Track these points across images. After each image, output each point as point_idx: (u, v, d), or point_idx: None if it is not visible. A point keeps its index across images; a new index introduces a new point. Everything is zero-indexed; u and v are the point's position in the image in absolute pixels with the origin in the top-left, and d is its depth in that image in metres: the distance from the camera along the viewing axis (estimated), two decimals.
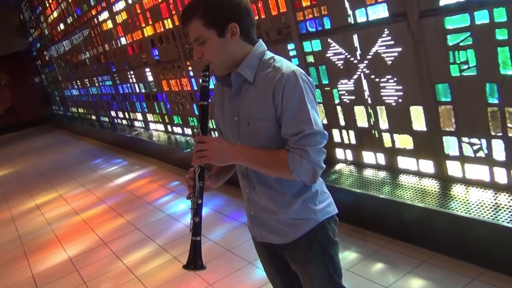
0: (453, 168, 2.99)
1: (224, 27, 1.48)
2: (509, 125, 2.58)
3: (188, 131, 6.60)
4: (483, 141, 2.74)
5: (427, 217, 2.91)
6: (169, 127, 7.24)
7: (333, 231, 1.66)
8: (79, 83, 12.06)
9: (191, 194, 1.59)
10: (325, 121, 3.82)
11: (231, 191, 4.66)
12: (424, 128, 3.04)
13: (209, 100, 1.59)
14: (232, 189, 4.56)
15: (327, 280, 1.65)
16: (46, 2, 12.45)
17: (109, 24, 8.12)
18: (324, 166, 1.51)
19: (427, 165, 3.14)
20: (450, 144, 2.95)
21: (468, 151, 2.85)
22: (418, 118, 3.07)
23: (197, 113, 6.04)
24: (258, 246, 1.81)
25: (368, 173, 3.54)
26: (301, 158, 1.45)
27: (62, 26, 11.67)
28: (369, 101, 3.35)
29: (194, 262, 1.56)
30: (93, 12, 8.73)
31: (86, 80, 11.10)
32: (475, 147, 2.80)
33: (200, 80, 1.57)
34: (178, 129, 6.95)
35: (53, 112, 17.84)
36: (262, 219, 1.68)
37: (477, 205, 2.73)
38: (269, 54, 1.57)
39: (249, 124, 1.54)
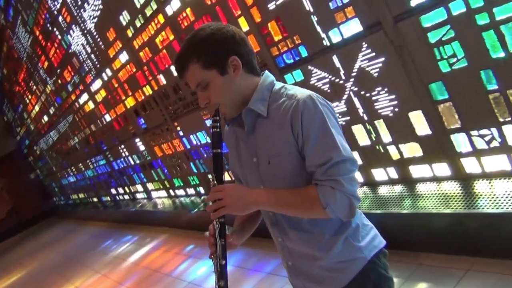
0: (470, 165, 2.84)
1: (225, 63, 1.37)
2: None
3: (191, 191, 6.44)
4: (494, 130, 2.61)
5: (457, 222, 2.74)
6: (171, 191, 7.08)
7: (385, 266, 1.47)
8: (74, 169, 11.97)
9: (212, 254, 1.43)
10: None
11: (249, 242, 4.42)
12: (429, 131, 2.91)
13: (223, 147, 1.46)
14: (250, 239, 4.34)
15: None
16: (26, 98, 12.56)
17: (91, 105, 8.12)
18: (360, 197, 1.36)
19: (442, 168, 2.99)
20: (460, 141, 2.82)
21: (480, 144, 2.71)
22: (420, 122, 2.95)
23: (195, 169, 5.91)
24: None
25: (383, 190, 3.38)
26: (333, 191, 1.29)
27: (45, 118, 11.71)
28: (365, 118, 3.24)
29: None
30: (73, 97, 8.76)
31: (80, 164, 11.02)
32: (487, 138, 2.66)
33: (211, 126, 1.44)
34: (180, 191, 6.79)
35: (54, 204, 17.65)
36: (303, 268, 1.50)
37: (506, 197, 2.57)
38: (279, 84, 1.46)
39: (269, 163, 1.40)
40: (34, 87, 11.27)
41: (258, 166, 1.44)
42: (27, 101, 12.59)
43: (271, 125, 1.39)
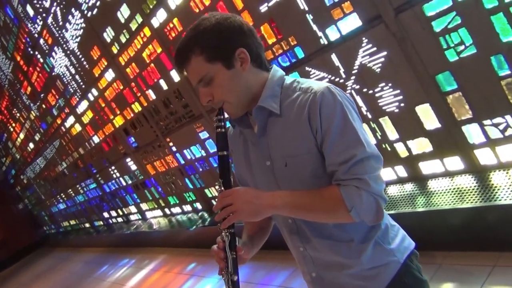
0: (484, 156, 2.72)
1: (231, 56, 1.23)
2: None
3: (188, 207, 6.25)
4: (508, 117, 2.50)
5: (476, 216, 2.62)
6: (166, 210, 6.88)
7: (418, 269, 1.34)
8: (63, 196, 11.67)
9: (223, 270, 1.27)
10: None
11: (255, 255, 4.27)
12: (438, 125, 2.80)
13: (229, 149, 1.31)
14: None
15: None
16: (10, 127, 12.28)
17: (78, 128, 7.92)
18: (387, 198, 1.22)
19: (455, 162, 2.87)
20: (473, 132, 2.71)
21: (494, 133, 2.60)
22: (428, 116, 2.84)
23: (191, 185, 5.74)
24: None
25: (393, 190, 3.25)
26: (359, 191, 1.15)
27: (31, 145, 11.43)
28: (369, 116, 3.12)
29: None
30: (59, 121, 8.54)
31: (70, 190, 10.74)
32: (501, 127, 2.56)
33: (215, 127, 1.29)
34: (176, 209, 6.59)
35: (45, 233, 17.22)
36: (330, 279, 1.35)
37: None
38: (289, 78, 1.32)
39: (286, 166, 1.25)
40: (18, 114, 11.02)
41: (273, 169, 1.29)
42: (11, 129, 12.30)
43: (285, 123, 1.25)
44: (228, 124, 1.37)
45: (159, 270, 6.09)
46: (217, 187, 1.29)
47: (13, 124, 11.88)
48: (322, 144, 1.20)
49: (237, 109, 1.29)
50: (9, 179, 17.44)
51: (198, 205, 5.93)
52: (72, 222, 12.85)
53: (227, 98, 1.26)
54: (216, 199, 1.26)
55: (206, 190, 5.56)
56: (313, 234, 1.31)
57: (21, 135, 11.78)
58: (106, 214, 9.63)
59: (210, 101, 1.27)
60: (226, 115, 1.30)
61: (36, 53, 7.70)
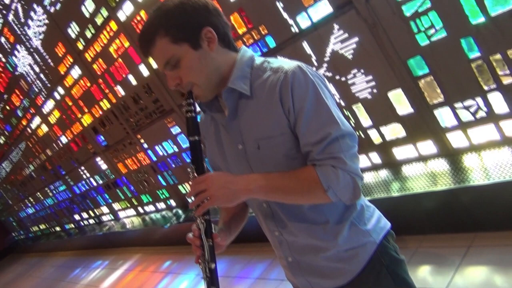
0: (456, 139, 2.76)
1: (198, 36, 1.17)
2: (500, 73, 2.39)
3: (161, 205, 6.15)
4: (479, 99, 2.53)
5: (451, 199, 2.64)
6: (139, 209, 6.75)
7: (395, 248, 1.32)
8: (32, 200, 11.33)
9: (199, 258, 1.22)
10: None
11: (231, 249, 4.22)
12: (411, 110, 2.82)
13: (200, 134, 1.25)
14: (231, 246, 4.12)
15: None
16: None
17: (44, 128, 7.68)
18: (363, 176, 1.19)
19: (427, 146, 2.90)
20: (444, 116, 2.74)
21: (466, 116, 2.64)
22: (400, 101, 2.85)
23: (164, 182, 5.64)
24: None
25: (368, 177, 3.25)
26: (335, 170, 1.13)
27: None
28: (343, 103, 3.11)
29: None
30: (24, 123, 8.28)
31: (38, 193, 10.43)
32: (472, 109, 2.59)
33: (185, 111, 1.23)
34: (150, 207, 6.47)
35: (13, 239, 16.71)
36: (306, 262, 1.32)
37: (497, 167, 2.49)
38: (260, 59, 1.27)
39: (259, 148, 1.21)
40: None
41: (246, 153, 1.24)
42: None
43: (256, 105, 1.21)
44: (198, 109, 1.32)
45: (134, 269, 5.97)
46: (190, 175, 1.23)
47: None
48: (295, 125, 1.16)
49: (207, 91, 1.24)
50: None
51: (172, 202, 5.84)
52: (42, 226, 12.50)
53: (195, 80, 1.20)
54: (189, 185, 1.21)
55: (180, 187, 5.48)
56: (288, 218, 1.27)
57: None
58: (77, 217, 9.39)
59: (178, 84, 1.21)
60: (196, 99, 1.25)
61: None
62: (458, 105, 2.62)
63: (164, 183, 5.68)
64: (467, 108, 2.60)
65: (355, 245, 1.26)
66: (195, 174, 1.21)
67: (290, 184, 1.17)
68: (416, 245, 2.79)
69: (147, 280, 5.25)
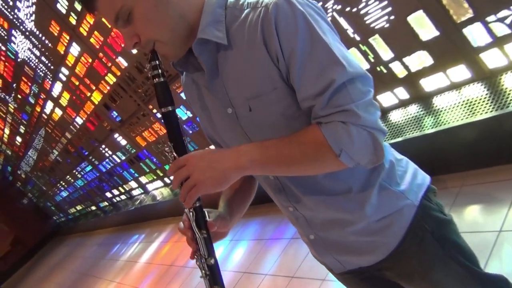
0: (492, 59, 2.41)
1: None
2: None
3: None
4: None
5: (494, 127, 2.33)
6: (166, 179, 6.64)
7: (440, 207, 1.06)
8: (63, 183, 11.48)
9: (195, 253, 0.99)
10: None
11: (259, 210, 4.02)
12: (436, 33, 2.46)
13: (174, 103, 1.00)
14: (259, 207, 3.91)
15: (467, 279, 1.04)
16: None
17: (58, 112, 7.57)
18: (385, 129, 0.90)
19: (460, 72, 2.56)
20: (476, 34, 2.37)
21: (501, 30, 2.28)
22: (422, 25, 2.50)
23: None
24: (342, 278, 1.19)
25: (395, 116, 2.95)
26: (346, 126, 0.85)
27: (19, 138, 11.11)
28: (358, 38, 2.77)
29: None
30: (38, 109, 8.18)
31: (68, 176, 10.53)
32: (508, 20, 2.22)
33: (151, 77, 0.97)
34: None
35: (55, 222, 17.22)
36: (332, 239, 1.08)
37: None
38: None
39: (251, 110, 0.94)
40: None
41: (237, 117, 0.98)
42: None
43: (237, 55, 0.93)
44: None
45: (169, 241, 5.93)
46: (169, 154, 0.98)
47: None
48: (289, 74, 0.89)
49: (173, 48, 0.97)
50: (7, 176, 17.28)
51: None
52: (78, 207, 12.75)
53: (156, 36, 0.93)
54: (169, 170, 0.96)
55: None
56: (301, 191, 1.02)
57: (6, 131, 11.44)
58: (108, 194, 9.45)
59: (137, 43, 0.94)
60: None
61: None
62: (490, 18, 2.25)
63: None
64: (501, 20, 2.23)
65: (389, 212, 1.01)
66: (175, 154, 0.96)
67: (292, 153, 0.90)
68: (458, 184, 2.51)
69: (182, 251, 5.18)
